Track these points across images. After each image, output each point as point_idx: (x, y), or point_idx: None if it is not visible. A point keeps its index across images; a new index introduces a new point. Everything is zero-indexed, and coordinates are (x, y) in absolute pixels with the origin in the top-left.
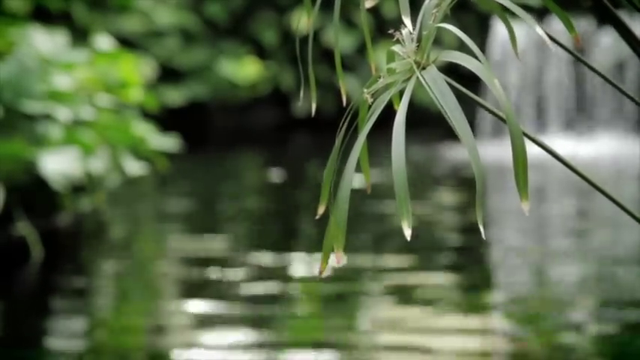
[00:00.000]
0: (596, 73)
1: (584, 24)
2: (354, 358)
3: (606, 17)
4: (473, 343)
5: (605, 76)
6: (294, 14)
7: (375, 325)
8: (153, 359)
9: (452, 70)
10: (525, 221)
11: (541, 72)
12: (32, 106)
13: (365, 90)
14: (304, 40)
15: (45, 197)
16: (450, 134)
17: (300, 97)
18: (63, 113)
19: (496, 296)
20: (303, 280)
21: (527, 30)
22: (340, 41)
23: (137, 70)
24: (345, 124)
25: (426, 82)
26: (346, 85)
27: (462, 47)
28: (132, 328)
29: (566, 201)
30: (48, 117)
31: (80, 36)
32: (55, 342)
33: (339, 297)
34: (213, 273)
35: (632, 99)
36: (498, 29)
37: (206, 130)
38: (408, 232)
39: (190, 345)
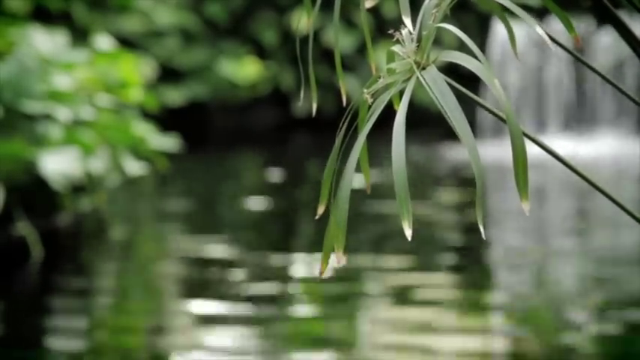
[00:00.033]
0: (596, 73)
1: (584, 24)
2: (354, 358)
3: (606, 17)
4: (473, 343)
5: (605, 76)
6: (294, 14)
7: (376, 325)
8: (153, 359)
9: (452, 70)
10: (525, 221)
11: (541, 72)
12: (32, 106)
13: (365, 90)
14: (304, 40)
15: (45, 197)
16: (450, 134)
17: (300, 97)
18: (63, 113)
19: (496, 296)
20: (303, 280)
21: (527, 30)
22: (340, 41)
23: (137, 70)
24: (345, 124)
25: (426, 82)
26: (346, 85)
27: (462, 47)
28: (132, 328)
29: (566, 201)
30: (48, 117)
31: (80, 36)
32: (55, 342)
33: (340, 297)
34: (214, 273)
35: (632, 99)
36: (498, 29)
37: (206, 130)
38: (408, 232)
39: (190, 345)
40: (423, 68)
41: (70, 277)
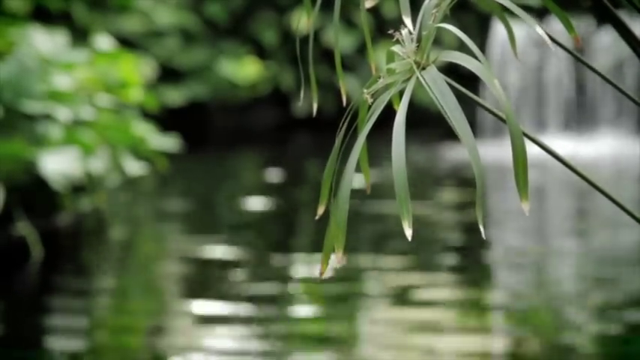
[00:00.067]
0: (596, 73)
1: (584, 24)
2: (354, 358)
3: (606, 17)
4: (473, 343)
5: (605, 76)
6: (294, 14)
7: (375, 325)
8: (153, 359)
9: (452, 70)
10: (525, 221)
11: (541, 72)
12: (32, 106)
13: (365, 90)
14: (304, 40)
15: (45, 197)
16: (450, 134)
17: (300, 97)
18: (63, 113)
19: (496, 296)
20: (303, 280)
21: (527, 30)
22: (340, 41)
23: (137, 70)
24: (345, 124)
25: (426, 83)
26: (346, 85)
27: (462, 47)
28: (132, 328)
29: (566, 201)
30: (48, 117)
31: (80, 36)
32: (55, 342)
33: (340, 297)
34: (213, 273)
35: (632, 99)
36: (498, 29)
37: (206, 130)
38: (408, 232)
39: (190, 345)
40: (423, 68)
41: (70, 277)
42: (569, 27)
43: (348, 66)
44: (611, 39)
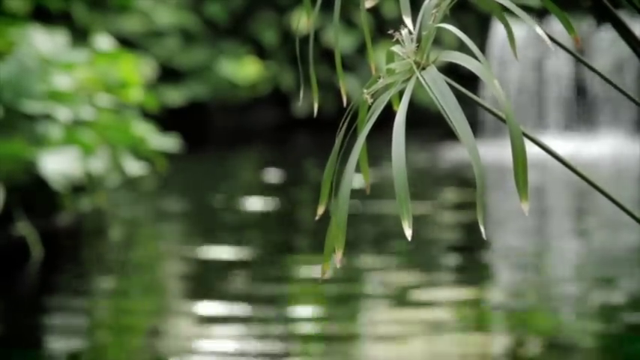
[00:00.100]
0: (596, 73)
1: (584, 24)
2: (354, 358)
3: (606, 17)
4: (473, 343)
5: (605, 76)
6: (294, 14)
7: (375, 325)
8: (153, 358)
9: (452, 70)
10: (525, 221)
11: (541, 72)
12: (32, 106)
13: (365, 90)
14: (304, 40)
15: (45, 197)
16: (450, 134)
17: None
18: (63, 113)
19: (496, 296)
20: (303, 280)
21: (527, 29)
22: (340, 41)
23: (137, 70)
24: (345, 124)
25: (426, 83)
26: (346, 85)
27: (462, 47)
28: (132, 328)
29: (566, 201)
30: (48, 117)
31: (80, 36)
32: (55, 342)
33: (339, 297)
34: (213, 273)
35: (632, 99)
36: (498, 29)
37: (206, 130)
38: (408, 232)
39: (190, 345)
40: (423, 68)
41: (70, 277)
42: (568, 27)
43: (348, 66)
44: (611, 39)
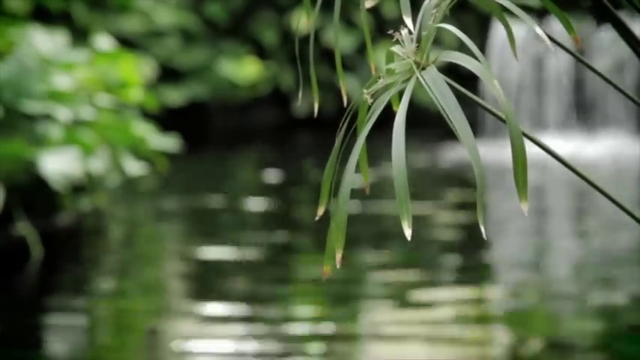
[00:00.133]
0: (597, 73)
1: (584, 24)
2: (354, 358)
3: (606, 17)
4: (473, 343)
5: (605, 76)
6: (294, 14)
7: (375, 325)
8: (153, 358)
9: (452, 70)
10: (525, 221)
11: (541, 72)
12: (32, 106)
13: (365, 90)
14: (304, 40)
15: (45, 197)
16: (450, 134)
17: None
18: (63, 113)
19: (496, 296)
20: (303, 280)
21: (527, 29)
22: (340, 41)
23: (137, 70)
24: (345, 124)
25: (426, 83)
26: (346, 85)
27: (462, 47)
28: (132, 328)
29: (566, 201)
30: (48, 117)
31: (80, 36)
32: (55, 342)
33: (339, 297)
34: (213, 273)
35: (632, 99)
36: (498, 29)
37: (206, 130)
38: (408, 232)
39: (190, 345)
40: (423, 68)
41: (70, 277)
42: (568, 27)
43: (348, 66)
44: (611, 39)
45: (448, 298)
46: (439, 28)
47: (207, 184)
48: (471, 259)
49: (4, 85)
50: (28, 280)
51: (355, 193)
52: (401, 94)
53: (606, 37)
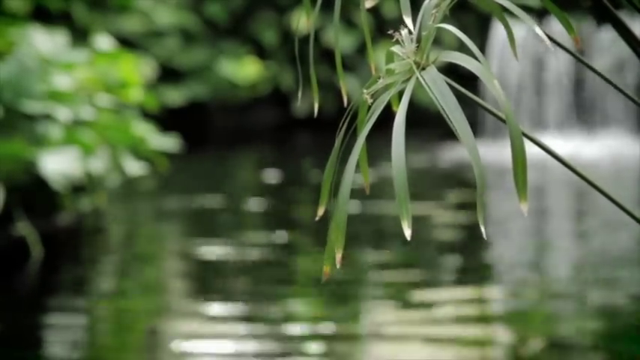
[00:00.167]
0: (597, 73)
1: (584, 24)
2: (354, 358)
3: (606, 17)
4: (473, 343)
5: (605, 76)
6: (294, 14)
7: (376, 325)
8: (153, 358)
9: (452, 70)
10: (525, 221)
11: (541, 72)
12: (32, 106)
13: (365, 90)
14: (304, 40)
15: (45, 197)
16: (450, 134)
17: (299, 97)
18: (63, 113)
19: (496, 296)
20: (303, 280)
21: (527, 29)
22: (340, 41)
23: (137, 70)
24: (345, 124)
25: (426, 83)
26: (346, 85)
27: (462, 47)
28: (132, 328)
29: (566, 201)
30: (48, 117)
31: (80, 36)
32: (55, 342)
33: (339, 297)
34: (213, 273)
35: (632, 99)
36: (498, 29)
37: (206, 130)
38: (408, 232)
39: (190, 345)
40: (423, 68)
41: (70, 277)
42: (568, 27)
43: (348, 66)
44: (611, 39)
45: (448, 298)
46: (439, 28)
47: (207, 184)
48: (471, 259)
49: (4, 85)
50: (28, 280)
51: (355, 193)
52: (401, 94)
53: (606, 37)
